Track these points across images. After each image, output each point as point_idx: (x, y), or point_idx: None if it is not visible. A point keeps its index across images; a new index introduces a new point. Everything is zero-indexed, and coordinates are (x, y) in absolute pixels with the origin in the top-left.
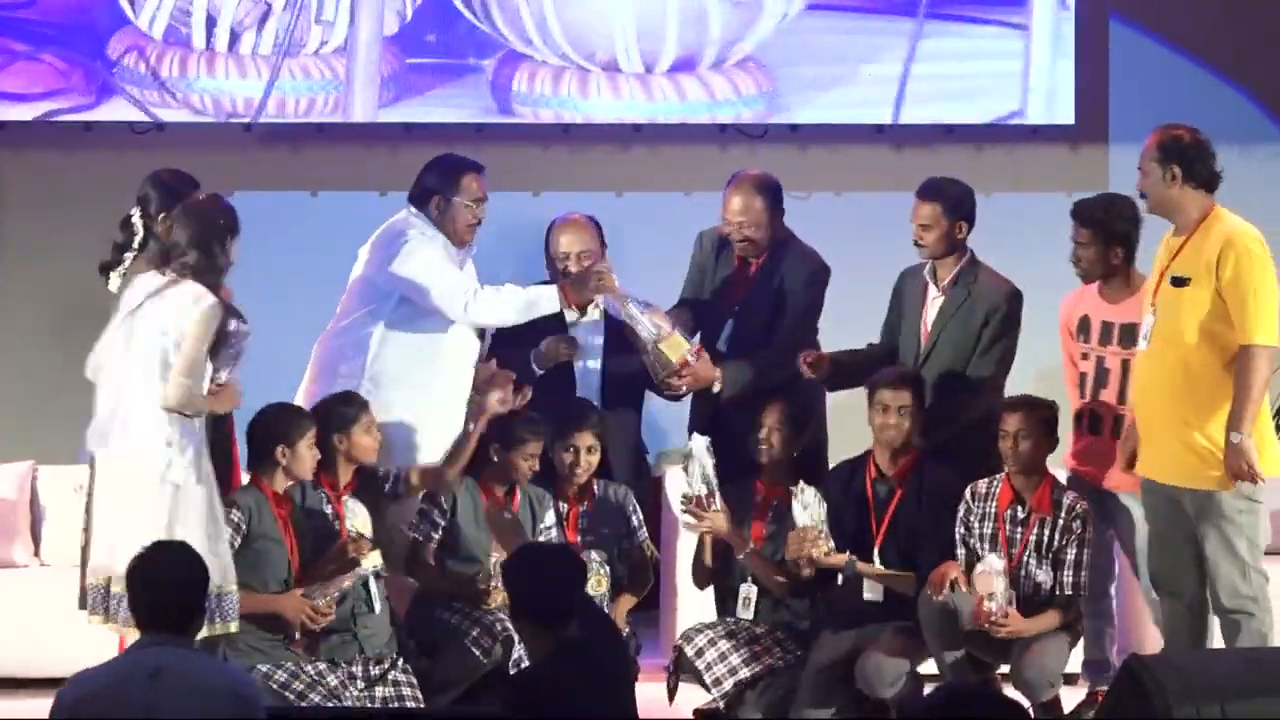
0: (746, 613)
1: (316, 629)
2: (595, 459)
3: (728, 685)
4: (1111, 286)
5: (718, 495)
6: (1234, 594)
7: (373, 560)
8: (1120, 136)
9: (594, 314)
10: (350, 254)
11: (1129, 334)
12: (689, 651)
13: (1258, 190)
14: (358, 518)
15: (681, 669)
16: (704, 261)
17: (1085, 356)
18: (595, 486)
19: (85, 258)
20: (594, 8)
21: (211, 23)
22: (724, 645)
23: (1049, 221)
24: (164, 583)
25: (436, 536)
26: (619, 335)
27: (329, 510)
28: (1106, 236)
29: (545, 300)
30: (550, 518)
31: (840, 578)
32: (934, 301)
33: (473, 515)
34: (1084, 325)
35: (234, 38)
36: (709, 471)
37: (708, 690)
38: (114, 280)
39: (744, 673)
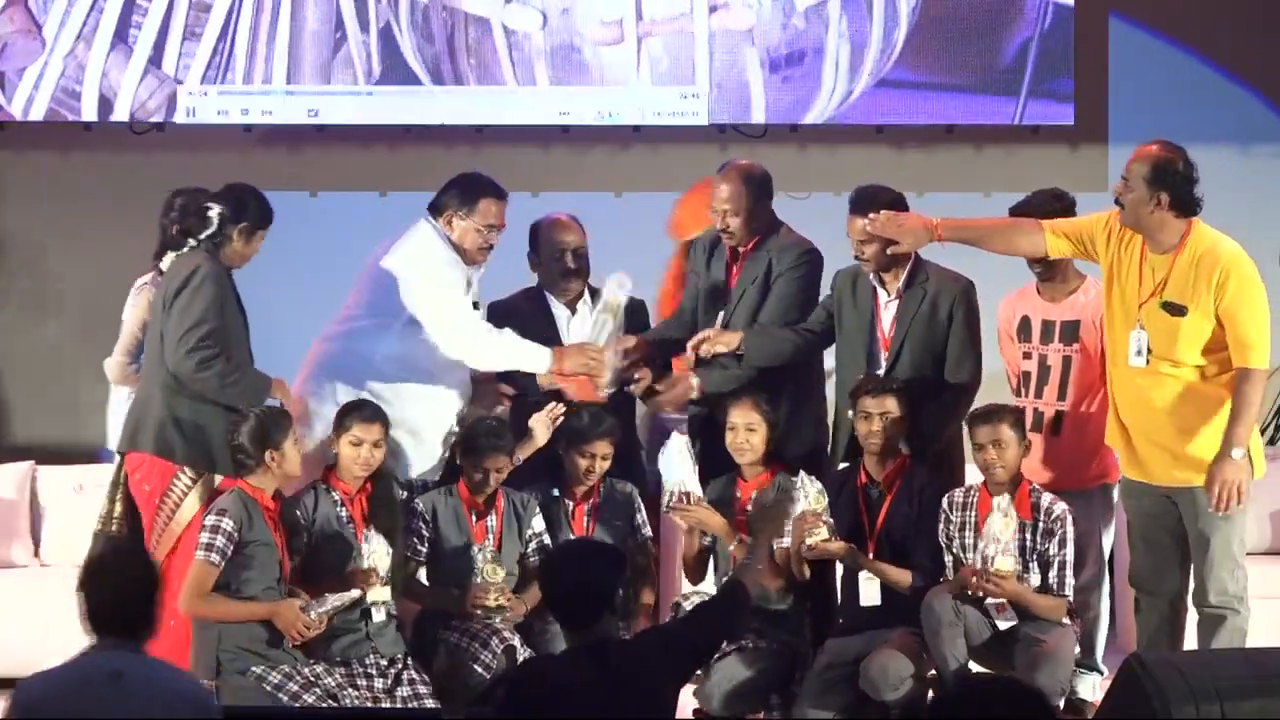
0: None
1: (301, 640)
2: (608, 464)
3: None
4: (1050, 285)
5: (694, 491)
6: (1223, 591)
7: (377, 594)
8: (1120, 137)
9: (584, 312)
10: (350, 254)
11: (1070, 331)
12: None
13: (1258, 188)
14: (376, 552)
15: None
16: (699, 266)
17: (1028, 356)
18: (600, 485)
19: (85, 258)
20: (594, 70)
21: (107, 106)
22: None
23: None
24: (114, 587)
25: (424, 550)
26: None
27: (343, 513)
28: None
29: (537, 360)
30: (539, 523)
31: (840, 574)
32: (888, 306)
33: (455, 525)
34: (1025, 326)
35: (136, 122)
36: (687, 468)
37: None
38: (166, 261)
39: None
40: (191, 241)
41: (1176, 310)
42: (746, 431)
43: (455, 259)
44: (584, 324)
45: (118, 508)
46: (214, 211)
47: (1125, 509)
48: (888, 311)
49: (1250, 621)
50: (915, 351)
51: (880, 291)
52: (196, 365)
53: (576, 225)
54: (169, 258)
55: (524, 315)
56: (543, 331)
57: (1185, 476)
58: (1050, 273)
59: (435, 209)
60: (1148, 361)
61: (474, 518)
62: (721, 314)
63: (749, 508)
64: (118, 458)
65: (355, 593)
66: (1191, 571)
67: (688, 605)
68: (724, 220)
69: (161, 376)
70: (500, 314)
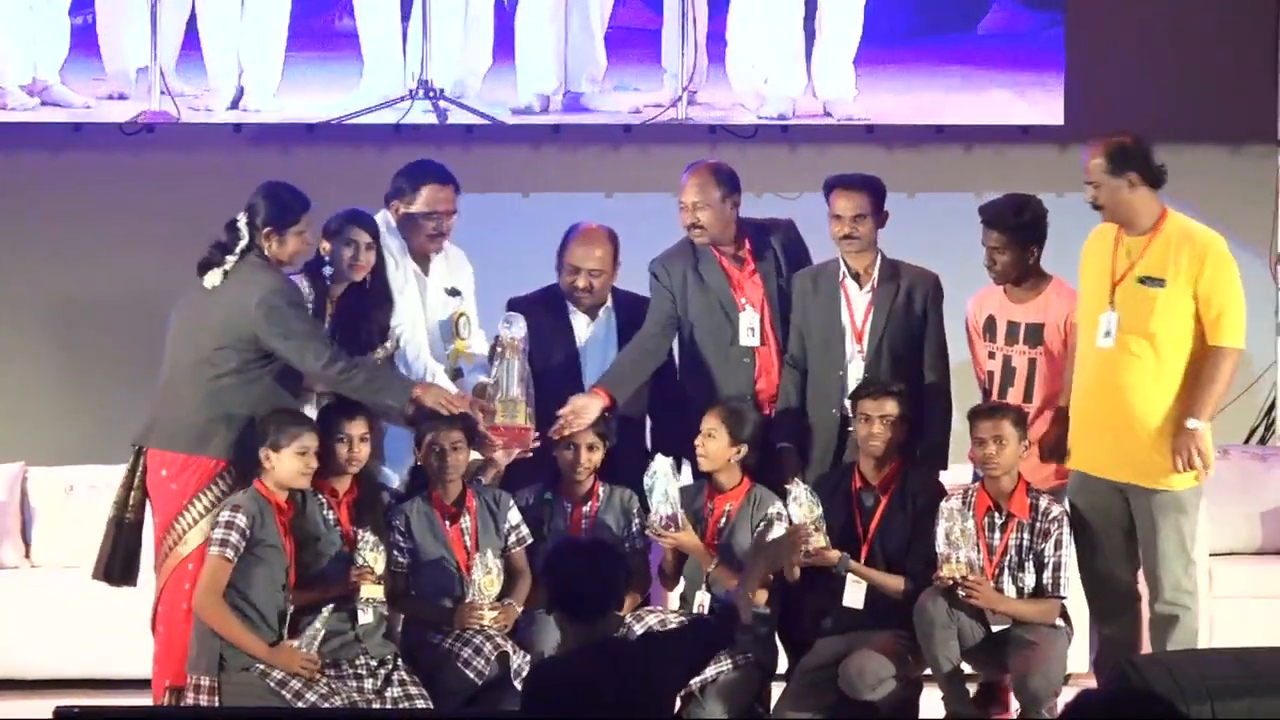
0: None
1: (308, 676)
2: (597, 457)
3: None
4: (1019, 286)
5: (679, 514)
6: (1175, 588)
7: (370, 591)
8: None
9: (603, 316)
10: None
11: (1034, 333)
12: (638, 630)
13: (1248, 186)
14: (369, 549)
15: None
16: (674, 284)
17: (992, 356)
18: (600, 489)
19: (75, 259)
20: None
21: None
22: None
23: None
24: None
25: (405, 561)
26: (629, 339)
27: (330, 516)
28: (1024, 239)
29: (397, 390)
30: (515, 515)
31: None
32: (861, 299)
33: (429, 533)
34: (990, 325)
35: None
36: (672, 491)
37: None
38: (210, 278)
39: (710, 670)
40: (231, 258)
41: (1154, 282)
42: (705, 436)
43: (401, 254)
44: (603, 332)
45: (133, 496)
46: (241, 221)
47: (1076, 505)
48: (859, 305)
49: (1240, 619)
50: (895, 345)
51: (850, 284)
52: (339, 375)
53: (604, 241)
54: (215, 274)
55: (540, 316)
56: (559, 334)
57: (1156, 473)
58: (1000, 279)
59: (387, 199)
60: (1115, 341)
61: (447, 523)
62: (752, 315)
63: (724, 526)
64: (136, 450)
65: (325, 610)
66: (1142, 569)
67: (639, 628)
68: (694, 215)
69: (212, 379)
70: (518, 311)
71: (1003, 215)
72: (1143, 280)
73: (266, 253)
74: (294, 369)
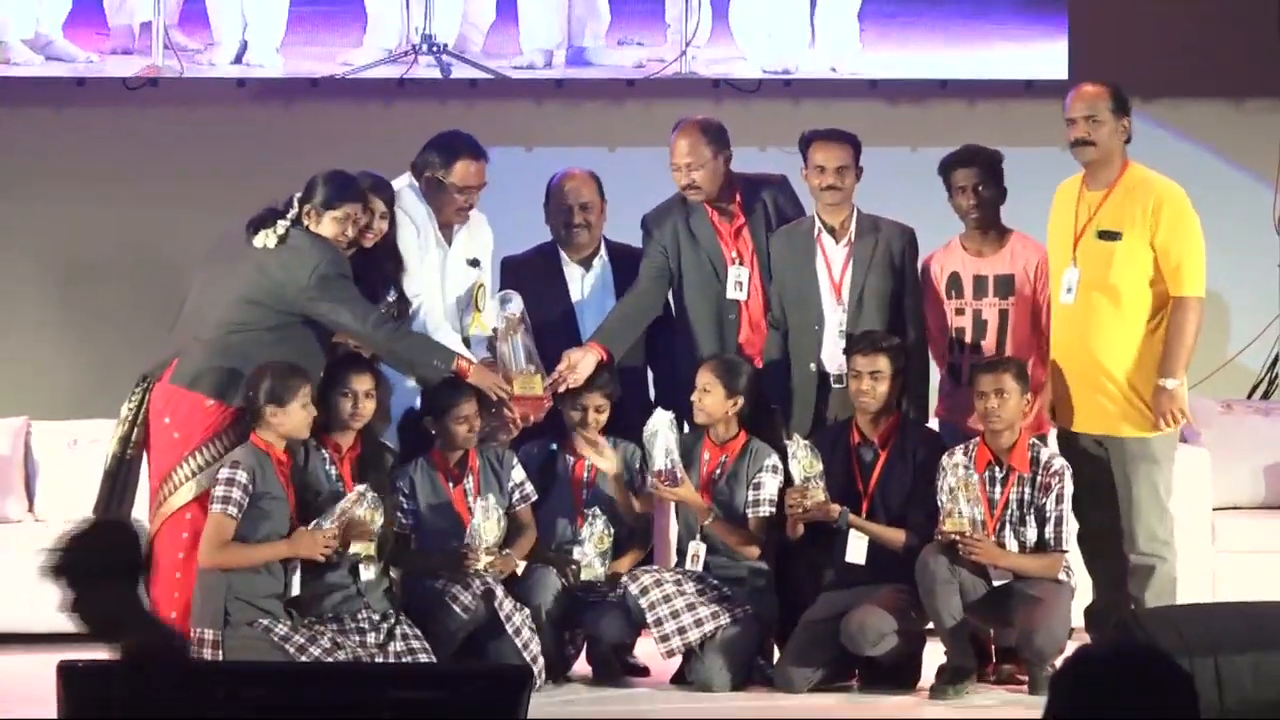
0: (696, 569)
1: (334, 556)
2: (604, 417)
3: (675, 641)
4: (979, 240)
5: (679, 467)
6: (1151, 537)
7: (360, 547)
8: None
9: (597, 267)
10: None
11: (1005, 284)
12: (633, 589)
13: (1252, 139)
14: (364, 507)
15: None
16: (665, 238)
17: (960, 312)
18: (604, 443)
19: (79, 214)
20: None
21: None
22: (676, 600)
23: (1042, 175)
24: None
25: (408, 523)
26: (625, 290)
27: (333, 472)
28: (997, 177)
29: (444, 355)
30: (518, 474)
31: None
32: (838, 253)
33: (432, 494)
34: (955, 282)
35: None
36: (672, 446)
37: (650, 629)
38: (260, 238)
39: (709, 625)
40: (283, 223)
41: (1111, 236)
42: (701, 391)
43: (427, 220)
44: (599, 284)
45: (136, 433)
46: (296, 195)
47: (1066, 457)
48: (836, 260)
49: (1244, 574)
50: (876, 297)
51: (826, 239)
52: (389, 335)
53: (588, 179)
54: (267, 235)
55: (536, 272)
56: (554, 289)
57: (1124, 423)
58: (982, 220)
59: (416, 168)
60: (1077, 297)
61: (450, 484)
62: (741, 270)
63: (719, 477)
64: (142, 386)
65: (361, 487)
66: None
67: (634, 587)
68: (688, 175)
69: (242, 331)
70: (512, 270)
71: (975, 152)
72: (1101, 235)
73: (308, 226)
74: (324, 332)
